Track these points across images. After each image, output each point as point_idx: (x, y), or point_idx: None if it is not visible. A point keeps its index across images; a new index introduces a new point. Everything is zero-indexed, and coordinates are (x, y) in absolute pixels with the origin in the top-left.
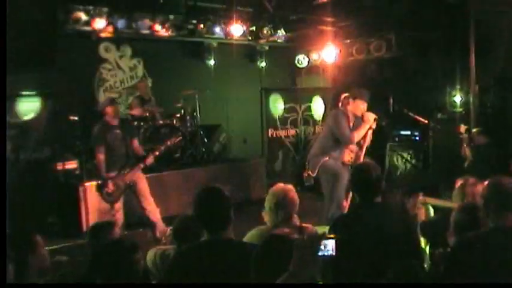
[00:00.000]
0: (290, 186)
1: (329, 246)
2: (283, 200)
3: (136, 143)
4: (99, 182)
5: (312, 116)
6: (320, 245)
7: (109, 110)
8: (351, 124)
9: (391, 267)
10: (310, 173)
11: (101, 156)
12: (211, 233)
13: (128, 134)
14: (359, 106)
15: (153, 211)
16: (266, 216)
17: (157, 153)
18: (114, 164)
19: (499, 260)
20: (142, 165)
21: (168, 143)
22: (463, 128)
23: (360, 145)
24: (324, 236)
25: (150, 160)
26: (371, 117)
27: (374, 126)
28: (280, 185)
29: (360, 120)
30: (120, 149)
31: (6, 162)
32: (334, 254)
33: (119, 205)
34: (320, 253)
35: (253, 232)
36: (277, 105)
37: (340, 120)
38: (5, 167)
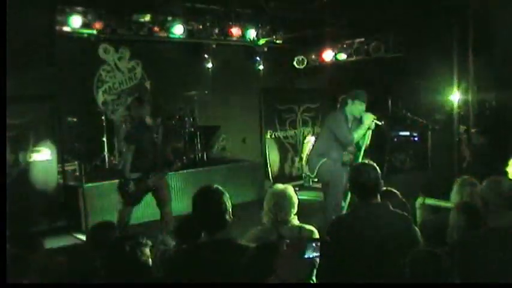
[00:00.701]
0: (289, 187)
1: (314, 248)
2: (282, 200)
3: (168, 149)
4: (122, 180)
5: (310, 117)
6: (306, 247)
7: (151, 120)
8: (350, 125)
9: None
10: (309, 173)
11: (129, 155)
12: (209, 233)
13: (164, 138)
14: (357, 107)
15: (170, 222)
16: (265, 216)
17: (179, 165)
18: (140, 166)
19: (497, 259)
20: (168, 172)
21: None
22: (461, 128)
23: (358, 146)
24: (309, 239)
25: (176, 167)
26: (370, 118)
27: (373, 127)
28: (279, 185)
29: (358, 121)
30: (149, 152)
31: (6, 163)
32: (318, 255)
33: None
34: (306, 255)
35: (253, 232)
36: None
37: (340, 122)
38: (5, 168)
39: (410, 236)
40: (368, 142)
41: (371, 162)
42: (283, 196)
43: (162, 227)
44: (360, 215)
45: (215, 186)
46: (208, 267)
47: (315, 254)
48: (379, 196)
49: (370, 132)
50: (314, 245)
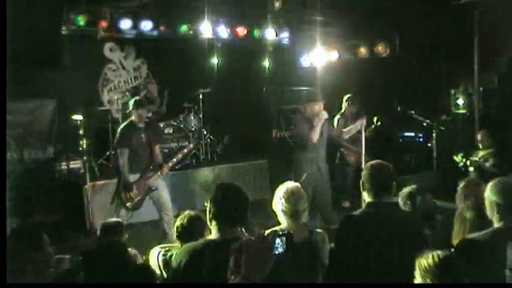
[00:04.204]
0: (297, 185)
1: (281, 244)
2: (293, 197)
3: (157, 149)
4: (122, 185)
5: None
6: (274, 243)
7: (136, 113)
8: (319, 125)
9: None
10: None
11: (124, 160)
12: (226, 228)
13: (153, 138)
14: (314, 108)
15: (170, 222)
16: (279, 214)
17: (175, 160)
18: (137, 167)
19: (503, 261)
20: (160, 173)
21: (185, 150)
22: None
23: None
24: (276, 234)
25: (167, 169)
26: (322, 116)
27: (363, 130)
28: (289, 182)
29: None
30: (144, 152)
31: (6, 162)
32: (283, 251)
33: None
34: (274, 252)
35: (259, 233)
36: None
37: (299, 125)
38: (5, 167)
39: (420, 237)
40: (364, 143)
41: (385, 162)
42: (293, 193)
43: (162, 227)
44: (372, 214)
45: (236, 183)
46: (215, 266)
47: (281, 250)
48: (391, 195)
49: (363, 135)
50: (280, 240)
